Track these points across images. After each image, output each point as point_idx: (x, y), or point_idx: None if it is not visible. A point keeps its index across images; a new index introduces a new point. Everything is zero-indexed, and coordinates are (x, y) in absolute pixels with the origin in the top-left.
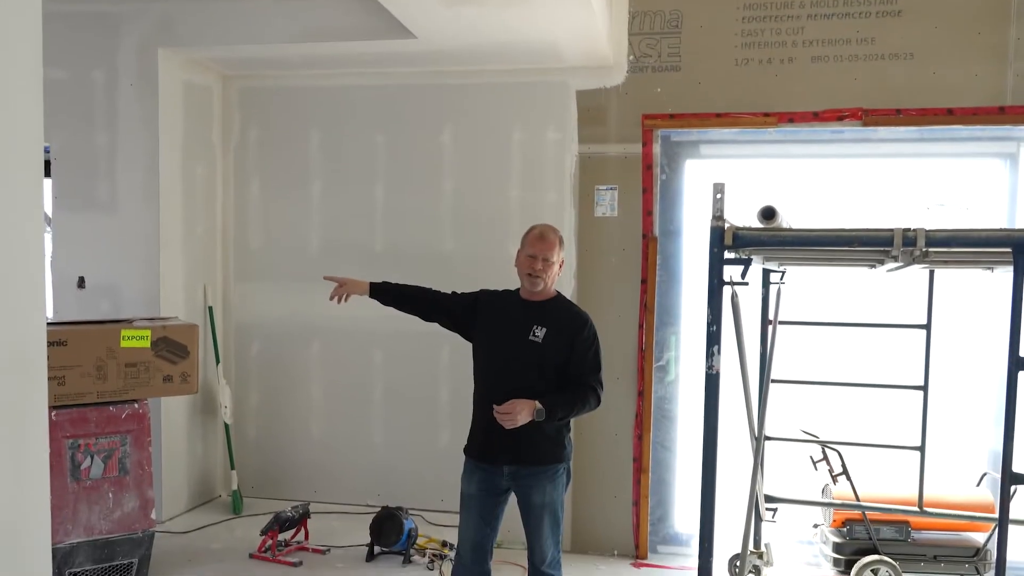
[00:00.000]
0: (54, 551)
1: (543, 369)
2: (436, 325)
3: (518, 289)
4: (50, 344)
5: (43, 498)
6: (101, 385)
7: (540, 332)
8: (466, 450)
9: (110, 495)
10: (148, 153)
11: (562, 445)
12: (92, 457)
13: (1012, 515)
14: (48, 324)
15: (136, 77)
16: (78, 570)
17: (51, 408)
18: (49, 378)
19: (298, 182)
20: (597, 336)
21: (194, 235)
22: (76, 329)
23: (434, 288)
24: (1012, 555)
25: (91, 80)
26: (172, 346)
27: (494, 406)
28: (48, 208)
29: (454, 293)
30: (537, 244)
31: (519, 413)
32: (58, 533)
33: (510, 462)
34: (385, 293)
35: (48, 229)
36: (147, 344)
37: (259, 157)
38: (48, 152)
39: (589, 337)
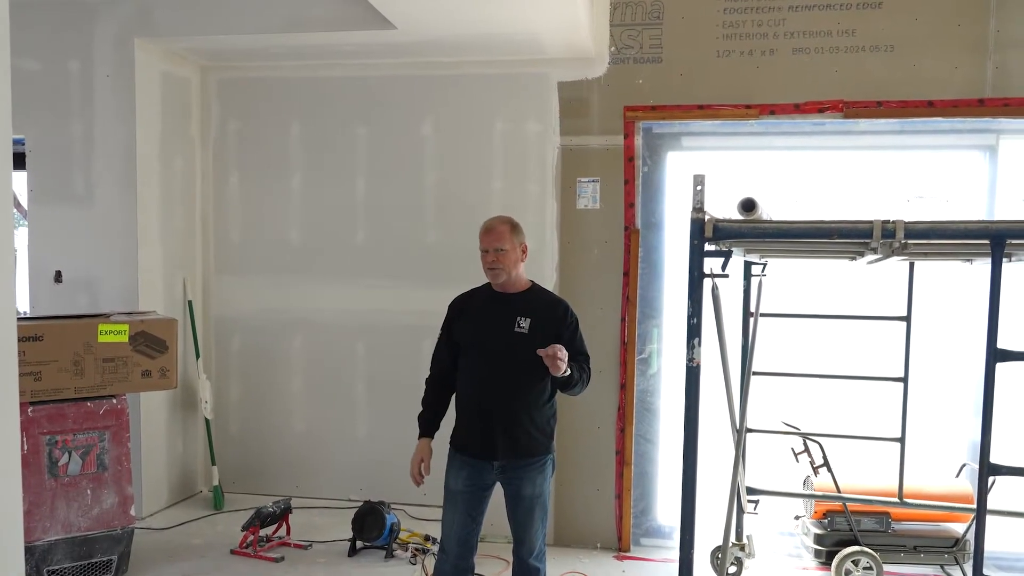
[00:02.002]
0: (32, 549)
1: (532, 358)
2: (419, 318)
3: (489, 284)
4: (26, 339)
5: (15, 495)
6: (78, 380)
7: (525, 323)
8: (456, 447)
9: (88, 492)
10: (125, 145)
11: (551, 436)
12: (70, 453)
13: (990, 506)
14: (24, 319)
15: (113, 68)
16: (56, 568)
17: (28, 404)
18: (25, 374)
19: (279, 174)
20: (577, 319)
21: (173, 228)
22: (52, 324)
23: (432, 370)
24: (989, 545)
25: (67, 71)
26: (151, 341)
27: (539, 351)
28: (24, 201)
29: (438, 344)
30: (485, 238)
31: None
32: (36, 531)
33: (506, 456)
34: (436, 423)
35: (24, 222)
36: (125, 339)
37: (239, 149)
38: (23, 144)
39: (572, 322)
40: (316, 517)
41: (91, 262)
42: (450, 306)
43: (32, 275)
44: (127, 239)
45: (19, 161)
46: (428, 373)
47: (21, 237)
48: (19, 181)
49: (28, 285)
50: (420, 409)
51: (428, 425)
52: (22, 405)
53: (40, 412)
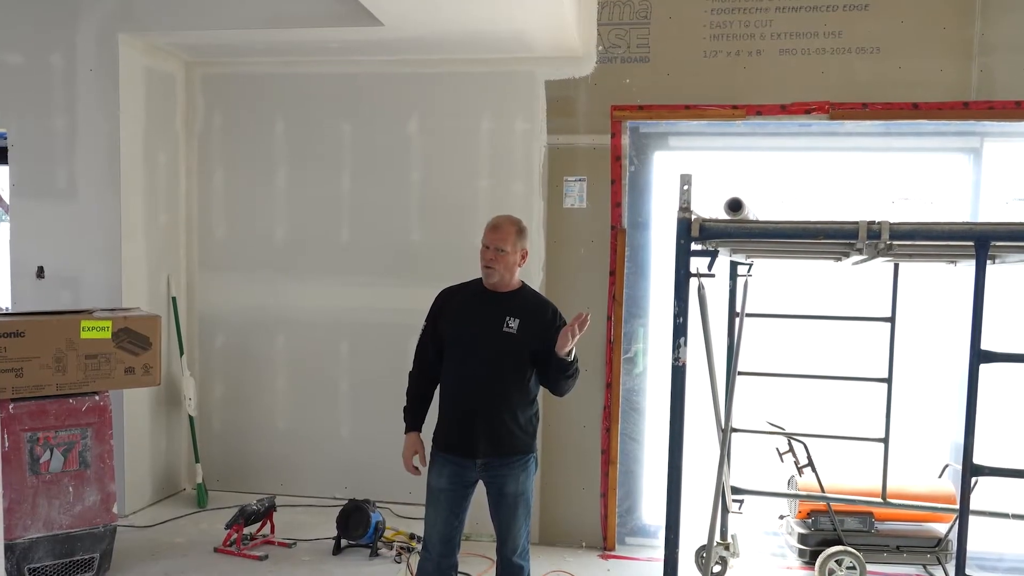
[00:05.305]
0: (13, 547)
1: (519, 358)
2: (404, 317)
3: (480, 279)
4: (8, 335)
5: None
6: (61, 377)
7: (514, 323)
8: (438, 444)
9: (70, 489)
10: (109, 140)
11: (534, 435)
12: (52, 450)
13: (972, 506)
14: (6, 315)
15: (96, 62)
16: (38, 566)
17: (9, 401)
18: (7, 370)
19: (263, 171)
20: (566, 323)
21: (157, 224)
22: (34, 320)
23: (416, 362)
24: (972, 545)
25: (50, 65)
26: (134, 337)
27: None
28: (6, 195)
29: (422, 335)
30: (490, 234)
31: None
32: (17, 528)
33: (489, 454)
34: (423, 415)
35: (5, 217)
36: (108, 335)
37: (223, 145)
38: (5, 138)
39: (561, 326)
40: (300, 515)
41: (74, 258)
42: (438, 296)
43: (14, 271)
44: (110, 235)
45: (1, 156)
46: (411, 366)
47: (3, 232)
48: (1, 176)
49: (10, 281)
50: (403, 405)
51: (415, 418)
52: (3, 402)
53: (21, 409)
